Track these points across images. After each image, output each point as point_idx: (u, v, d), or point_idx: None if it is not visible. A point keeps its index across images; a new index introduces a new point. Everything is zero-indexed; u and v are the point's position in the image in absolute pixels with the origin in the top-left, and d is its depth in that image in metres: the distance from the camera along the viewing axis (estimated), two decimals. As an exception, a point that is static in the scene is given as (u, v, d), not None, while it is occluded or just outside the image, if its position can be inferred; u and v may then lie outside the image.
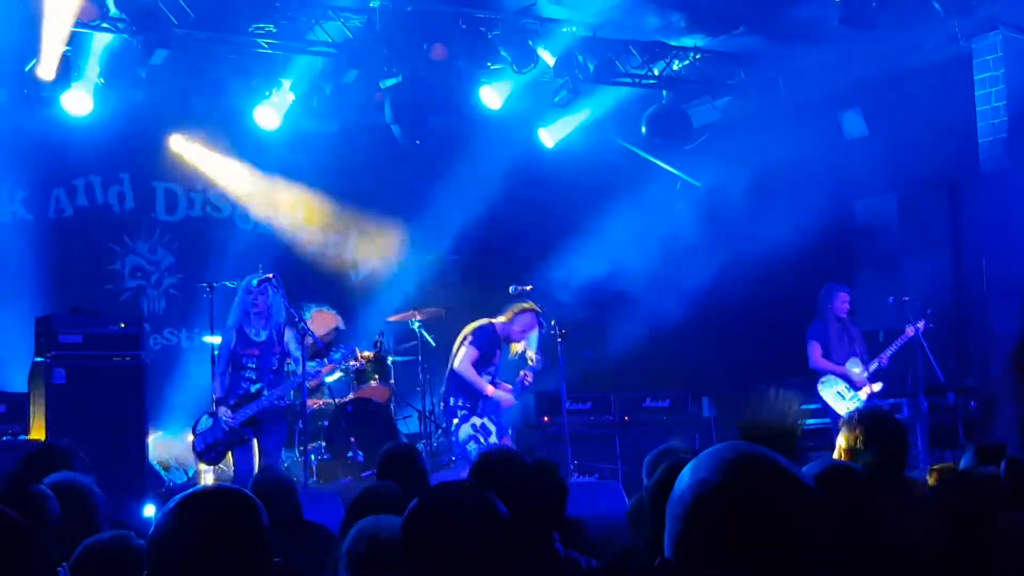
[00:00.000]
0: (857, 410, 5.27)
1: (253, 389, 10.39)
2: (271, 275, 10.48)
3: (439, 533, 3.25)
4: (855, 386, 12.06)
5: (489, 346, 11.25)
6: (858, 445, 4.99)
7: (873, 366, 12.13)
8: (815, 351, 12.26)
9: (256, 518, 2.92)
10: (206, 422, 10.58)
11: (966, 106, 12.87)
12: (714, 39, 14.30)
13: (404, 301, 13.94)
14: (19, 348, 11.48)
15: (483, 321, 11.34)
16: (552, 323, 11.45)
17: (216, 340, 11.78)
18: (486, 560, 3.24)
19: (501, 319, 11.32)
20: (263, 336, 10.47)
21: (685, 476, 1.93)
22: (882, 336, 12.55)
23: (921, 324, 12.06)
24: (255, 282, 10.44)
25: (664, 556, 1.92)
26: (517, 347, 11.31)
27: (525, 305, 11.33)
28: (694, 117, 15.37)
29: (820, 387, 12.17)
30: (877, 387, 12.09)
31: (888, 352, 12.16)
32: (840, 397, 12.03)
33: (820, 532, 1.86)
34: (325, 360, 11.24)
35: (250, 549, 2.88)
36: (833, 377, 12.17)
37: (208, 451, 10.58)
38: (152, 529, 2.91)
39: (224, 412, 10.34)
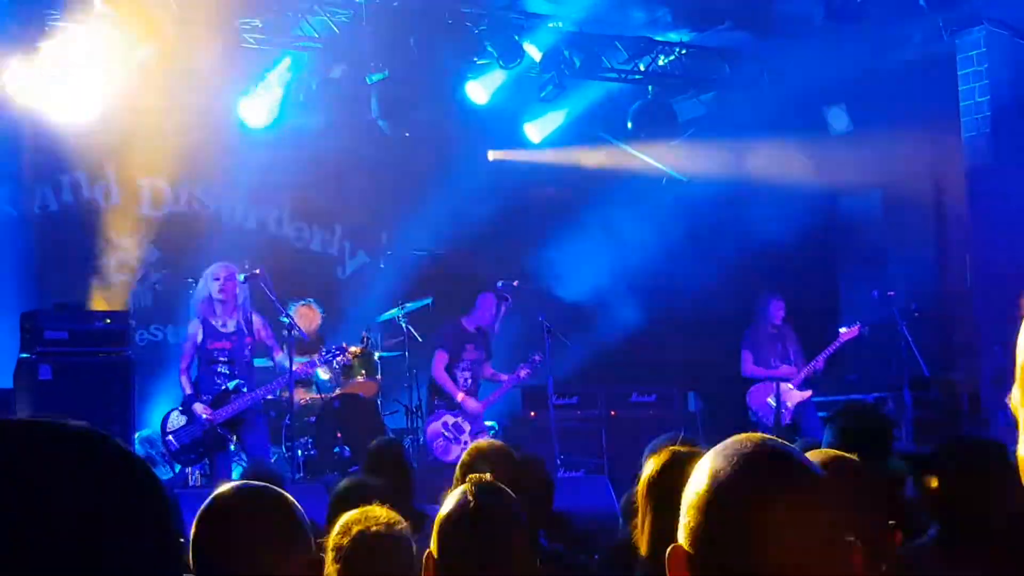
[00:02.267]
0: (842, 405, 5.31)
1: (231, 385, 10.21)
2: (258, 270, 10.45)
3: (478, 536, 3.27)
4: (788, 391, 12.32)
5: (455, 344, 11.68)
6: (840, 441, 5.01)
7: (804, 372, 12.48)
8: (746, 359, 12.66)
9: (297, 516, 2.94)
10: (178, 419, 10.30)
11: (950, 101, 12.92)
12: (700, 34, 14.34)
13: (391, 297, 13.95)
14: (4, 344, 11.45)
15: (450, 320, 11.77)
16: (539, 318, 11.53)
17: None
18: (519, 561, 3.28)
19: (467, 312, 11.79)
20: (231, 327, 10.36)
21: (701, 466, 1.96)
22: (867, 331, 12.58)
23: (856, 328, 12.26)
24: (242, 277, 10.39)
25: (674, 543, 1.94)
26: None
27: (480, 293, 11.70)
28: (679, 112, 15.40)
29: (750, 394, 12.54)
30: (807, 394, 12.38)
31: (821, 357, 12.46)
32: (769, 406, 12.26)
33: (833, 523, 1.90)
34: (316, 360, 11.09)
35: (290, 547, 2.89)
36: (765, 385, 12.46)
37: (185, 451, 10.35)
38: (192, 529, 2.92)
39: (202, 409, 10.13)
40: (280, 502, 2.95)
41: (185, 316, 12.41)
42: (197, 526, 2.92)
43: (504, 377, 11.91)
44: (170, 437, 10.41)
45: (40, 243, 13.55)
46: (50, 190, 13.95)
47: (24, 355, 10.88)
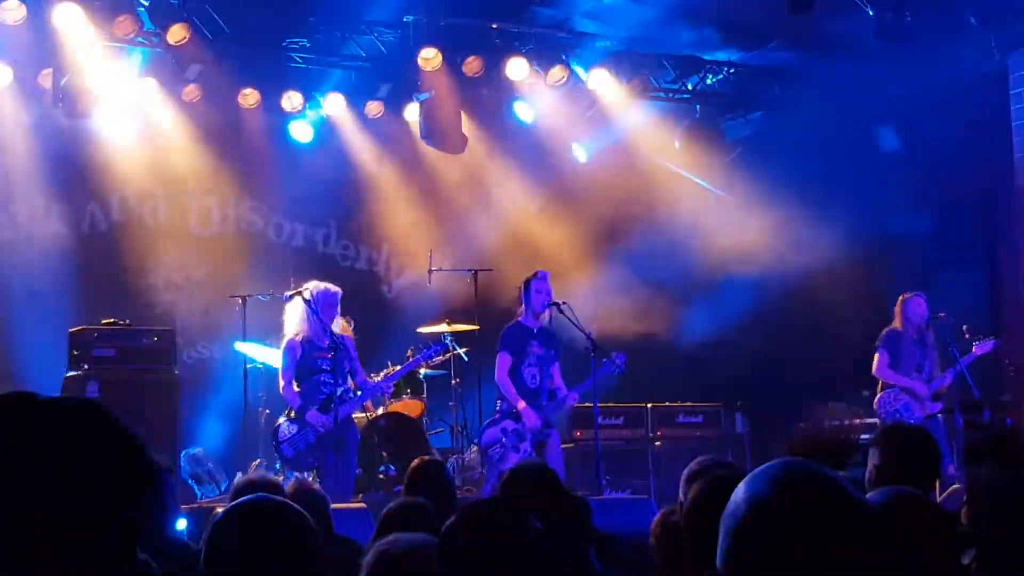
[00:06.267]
0: (885, 426, 5.23)
1: (339, 391, 10.37)
2: (302, 289, 10.52)
3: (474, 551, 3.24)
4: (917, 402, 11.61)
5: (516, 344, 11.11)
6: (887, 462, 4.94)
7: (934, 385, 11.61)
8: (882, 359, 11.65)
9: (307, 533, 2.93)
10: (289, 427, 10.48)
11: (1001, 120, 12.79)
12: (748, 53, 14.28)
13: (437, 315, 13.94)
14: (53, 361, 11.52)
15: (510, 323, 11.30)
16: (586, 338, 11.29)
17: (250, 349, 11.84)
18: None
19: (520, 310, 11.24)
20: (326, 342, 10.47)
21: (739, 491, 1.93)
22: (1001, 345, 12.05)
23: (991, 342, 11.69)
24: (333, 291, 10.53)
25: (714, 569, 1.91)
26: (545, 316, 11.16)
27: (526, 279, 11.27)
28: (727, 131, 15.35)
29: (879, 400, 11.65)
30: (936, 407, 11.56)
31: (951, 372, 11.55)
32: (898, 414, 11.46)
33: (873, 550, 1.86)
34: (420, 357, 11.55)
35: (300, 565, 2.88)
36: (896, 392, 11.61)
37: (301, 457, 10.50)
38: (205, 539, 2.93)
39: (314, 417, 10.35)
40: (292, 516, 2.96)
41: (232, 334, 12.47)
42: (215, 535, 2.92)
43: (565, 391, 11.36)
44: (284, 445, 10.48)
45: (89, 261, 13.64)
46: (99, 209, 14.04)
47: (72, 372, 10.95)
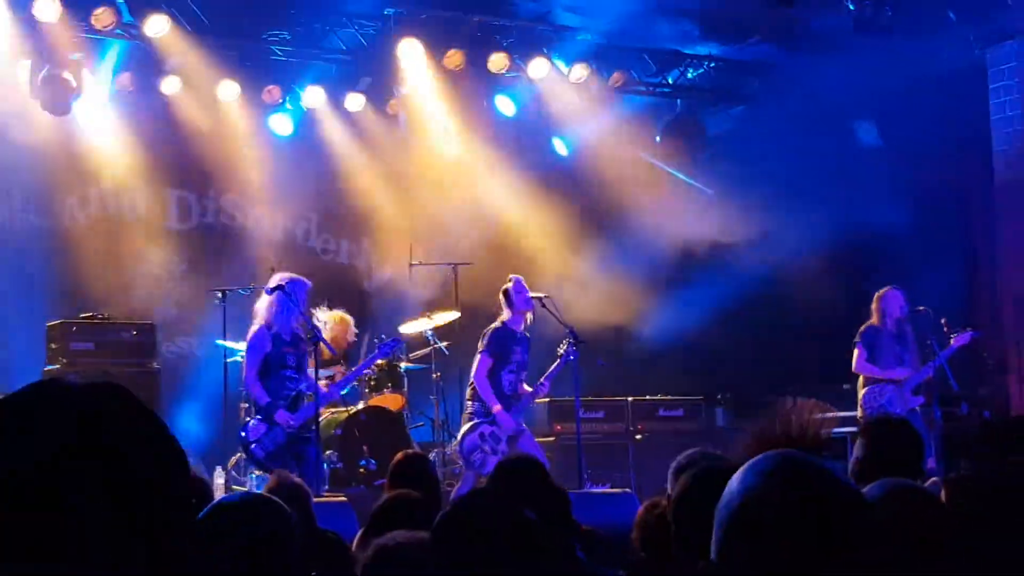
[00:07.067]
0: (869, 419, 5.23)
1: (303, 387, 10.16)
2: (283, 283, 10.36)
3: (468, 544, 3.24)
4: (899, 395, 11.60)
5: (502, 347, 11.02)
6: (870, 454, 4.95)
7: (915, 379, 11.63)
8: (860, 355, 11.67)
9: (287, 528, 2.93)
10: (259, 427, 10.13)
11: (981, 115, 12.84)
12: (729, 48, 14.31)
13: (417, 309, 13.90)
14: (31, 356, 11.47)
15: (495, 324, 11.18)
16: (565, 336, 11.27)
17: (231, 343, 11.74)
18: (515, 570, 3.24)
19: (505, 313, 11.15)
20: (289, 337, 10.27)
21: (734, 483, 1.93)
22: (980, 336, 12.09)
23: (968, 334, 11.71)
24: (302, 286, 10.31)
25: (705, 561, 1.91)
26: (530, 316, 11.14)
27: (504, 287, 11.17)
28: (708, 125, 15.35)
29: (863, 397, 11.65)
30: (917, 401, 11.59)
31: (931, 365, 11.59)
32: (883, 409, 11.28)
33: (866, 540, 1.86)
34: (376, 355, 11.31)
35: (280, 558, 2.89)
36: (879, 387, 11.62)
37: (271, 459, 10.04)
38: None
39: (283, 416, 10.01)
40: (272, 510, 2.96)
41: (211, 328, 12.41)
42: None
43: (529, 389, 11.36)
44: (254, 446, 10.19)
45: (67, 255, 13.55)
46: (77, 202, 13.96)
47: (50, 366, 10.90)
